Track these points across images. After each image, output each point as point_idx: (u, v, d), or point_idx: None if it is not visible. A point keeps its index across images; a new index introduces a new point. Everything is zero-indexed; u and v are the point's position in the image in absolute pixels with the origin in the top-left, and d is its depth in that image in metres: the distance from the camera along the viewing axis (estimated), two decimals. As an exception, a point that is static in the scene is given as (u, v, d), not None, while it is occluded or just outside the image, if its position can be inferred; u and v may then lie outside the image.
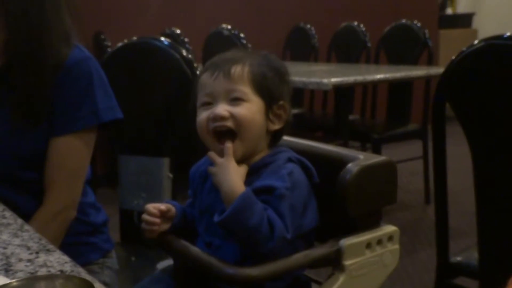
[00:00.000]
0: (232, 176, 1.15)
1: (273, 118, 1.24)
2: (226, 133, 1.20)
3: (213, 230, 1.22)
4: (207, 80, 1.23)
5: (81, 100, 1.46)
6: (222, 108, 1.19)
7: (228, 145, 1.18)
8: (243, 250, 1.17)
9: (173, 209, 1.26)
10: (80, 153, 1.49)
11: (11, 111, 1.43)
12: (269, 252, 1.12)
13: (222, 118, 1.19)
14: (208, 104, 1.22)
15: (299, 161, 1.23)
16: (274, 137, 1.28)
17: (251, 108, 1.20)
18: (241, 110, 1.19)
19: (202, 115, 1.22)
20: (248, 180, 1.18)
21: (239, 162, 1.20)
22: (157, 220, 1.23)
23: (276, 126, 1.25)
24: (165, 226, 1.25)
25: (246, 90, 1.20)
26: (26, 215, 1.40)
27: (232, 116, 1.19)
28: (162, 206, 1.24)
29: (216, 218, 1.14)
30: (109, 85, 1.51)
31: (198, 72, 1.78)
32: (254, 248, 1.13)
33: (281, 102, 1.24)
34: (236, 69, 1.21)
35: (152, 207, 1.24)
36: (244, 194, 1.12)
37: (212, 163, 1.21)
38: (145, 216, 1.24)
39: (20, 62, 1.44)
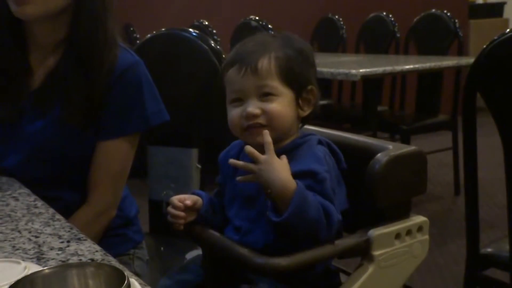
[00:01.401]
0: (282, 173, 1.13)
1: (303, 105, 1.25)
2: (260, 127, 1.20)
3: (244, 214, 1.23)
4: (235, 77, 1.22)
5: (131, 105, 1.47)
6: (254, 106, 1.19)
7: (268, 140, 1.15)
8: (272, 233, 1.17)
9: (199, 200, 1.26)
10: (127, 156, 1.51)
11: (61, 112, 1.43)
12: (327, 238, 1.13)
13: (254, 116, 1.19)
14: (238, 101, 1.22)
15: (328, 145, 1.24)
16: (304, 120, 1.29)
17: (282, 102, 1.20)
18: (273, 106, 1.19)
19: (234, 112, 1.22)
20: (293, 170, 1.18)
21: None
22: (182, 214, 1.23)
23: (307, 112, 1.26)
24: (191, 217, 1.25)
25: (275, 84, 1.20)
26: (70, 206, 1.42)
27: (264, 113, 1.19)
28: (188, 201, 1.24)
29: (274, 218, 1.12)
30: (156, 87, 1.52)
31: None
32: (314, 238, 1.13)
33: (309, 87, 1.25)
34: (263, 63, 1.20)
35: (177, 199, 1.24)
36: (299, 189, 1.11)
37: (246, 155, 1.18)
38: (170, 209, 1.24)
39: (75, 62, 1.44)
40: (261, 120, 1.19)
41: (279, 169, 1.13)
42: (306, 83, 1.24)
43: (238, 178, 1.19)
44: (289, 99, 1.22)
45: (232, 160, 1.19)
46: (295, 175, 1.15)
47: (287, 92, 1.21)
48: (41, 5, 1.38)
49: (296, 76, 1.22)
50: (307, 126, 1.33)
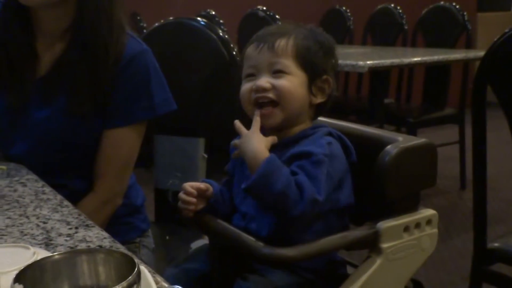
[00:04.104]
0: (256, 144, 1.18)
1: (316, 92, 1.26)
2: (268, 104, 1.22)
3: (249, 201, 1.24)
4: (252, 52, 1.26)
5: (138, 94, 1.46)
6: (265, 80, 1.22)
7: (257, 118, 1.21)
8: (276, 221, 1.18)
9: (211, 188, 1.26)
10: (133, 144, 1.50)
11: (68, 100, 1.42)
12: (300, 215, 1.13)
13: (264, 89, 1.22)
14: (252, 76, 1.25)
15: (339, 137, 1.24)
16: (317, 111, 1.29)
17: (293, 81, 1.22)
18: (283, 82, 1.22)
19: (246, 86, 1.25)
20: (287, 150, 1.20)
21: (279, 129, 1.23)
22: (194, 200, 1.24)
23: (319, 100, 1.26)
24: (201, 205, 1.26)
25: (288, 63, 1.22)
26: (76, 194, 1.41)
27: (274, 88, 1.21)
28: (202, 185, 1.25)
29: (243, 185, 1.16)
30: (163, 76, 1.51)
31: (234, 53, 1.77)
32: (284, 213, 1.14)
33: (324, 77, 1.26)
34: (281, 42, 1.23)
35: (190, 186, 1.24)
36: (268, 159, 1.14)
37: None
38: (181, 195, 1.25)
39: (82, 50, 1.42)
40: (270, 95, 1.22)
41: (255, 141, 1.18)
42: (321, 71, 1.25)
43: (233, 154, 1.25)
44: (300, 81, 1.23)
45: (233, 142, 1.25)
46: (293, 156, 1.18)
47: (300, 73, 1.23)
48: None
49: (312, 62, 1.24)
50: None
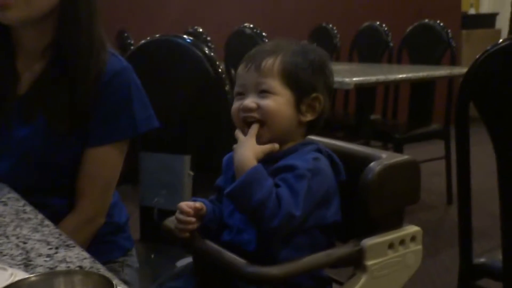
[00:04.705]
0: (246, 151, 1.19)
1: (306, 110, 1.26)
2: (255, 122, 1.23)
3: (238, 214, 1.23)
4: (241, 72, 1.28)
5: (119, 112, 1.45)
6: (250, 100, 1.23)
7: (254, 125, 1.22)
8: (260, 234, 1.18)
9: (205, 207, 1.25)
10: (115, 163, 1.49)
11: (48, 119, 1.41)
12: (275, 228, 1.12)
13: (249, 109, 1.23)
14: (241, 95, 1.27)
15: (328, 155, 1.24)
16: (309, 128, 1.29)
17: (278, 100, 1.23)
18: (267, 102, 1.22)
19: (235, 104, 1.27)
20: (275, 164, 1.20)
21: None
22: (192, 219, 1.22)
23: (309, 118, 1.26)
24: (196, 225, 1.24)
25: (274, 83, 1.23)
26: (58, 213, 1.41)
27: (259, 108, 1.22)
28: (197, 204, 1.24)
29: (225, 190, 1.17)
30: (145, 94, 1.50)
31: (220, 70, 1.78)
32: (261, 224, 1.14)
33: (314, 94, 1.25)
34: (267, 62, 1.24)
35: (186, 205, 1.23)
36: (253, 168, 1.15)
37: None
38: (178, 215, 1.23)
39: (62, 68, 1.41)
40: (256, 115, 1.23)
41: (245, 149, 1.20)
42: (311, 90, 1.25)
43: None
44: (286, 100, 1.23)
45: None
46: (278, 169, 1.19)
47: (286, 93, 1.23)
48: (24, 10, 1.36)
49: (300, 81, 1.24)
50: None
